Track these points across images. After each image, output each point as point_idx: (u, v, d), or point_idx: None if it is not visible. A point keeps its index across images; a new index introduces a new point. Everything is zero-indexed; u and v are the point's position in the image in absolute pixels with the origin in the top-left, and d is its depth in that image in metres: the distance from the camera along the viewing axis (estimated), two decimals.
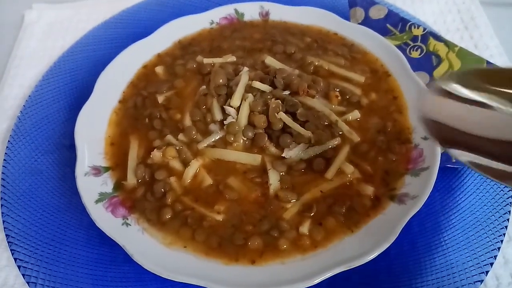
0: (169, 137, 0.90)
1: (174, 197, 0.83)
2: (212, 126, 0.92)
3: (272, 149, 0.88)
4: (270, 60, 1.01)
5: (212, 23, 1.15)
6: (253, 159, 0.86)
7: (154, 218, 0.81)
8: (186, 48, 1.11)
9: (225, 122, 0.90)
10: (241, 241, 0.77)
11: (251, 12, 1.16)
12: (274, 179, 0.83)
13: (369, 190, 0.81)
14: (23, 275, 0.80)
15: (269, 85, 0.93)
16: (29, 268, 0.80)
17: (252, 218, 0.80)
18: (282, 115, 0.87)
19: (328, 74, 1.00)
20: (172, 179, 0.85)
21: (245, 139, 0.89)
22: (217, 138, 0.90)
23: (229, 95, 0.92)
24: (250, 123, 0.89)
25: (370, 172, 0.84)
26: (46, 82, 1.10)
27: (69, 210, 0.89)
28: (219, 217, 0.80)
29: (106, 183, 0.86)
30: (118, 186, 0.86)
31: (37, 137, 1.00)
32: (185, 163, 0.87)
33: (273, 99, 0.89)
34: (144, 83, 1.03)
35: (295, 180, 0.84)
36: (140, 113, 0.97)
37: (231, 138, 0.88)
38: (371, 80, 0.99)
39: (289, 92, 0.92)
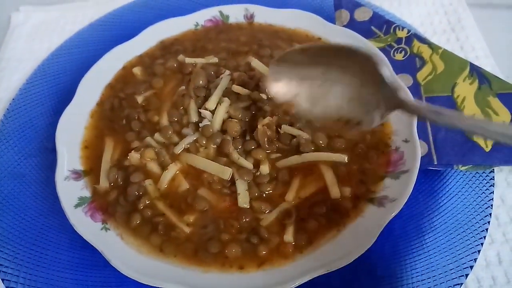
0: (149, 139, 0.90)
1: (148, 201, 0.82)
2: (185, 130, 0.91)
3: (235, 155, 0.85)
4: (256, 63, 1.00)
5: (197, 25, 1.15)
6: (222, 171, 0.83)
7: (125, 223, 0.80)
8: (167, 48, 1.10)
9: (200, 125, 0.89)
10: (216, 250, 0.76)
11: (236, 15, 1.16)
12: (242, 189, 0.82)
13: (346, 191, 0.81)
14: (2, 280, 0.79)
15: (252, 89, 0.93)
16: (9, 273, 0.80)
17: (230, 227, 0.79)
18: (286, 128, 0.87)
19: None
20: (147, 182, 0.84)
21: (214, 146, 0.88)
22: (191, 140, 0.89)
23: (207, 97, 0.92)
24: (223, 129, 0.89)
25: (346, 173, 0.84)
26: (30, 85, 1.10)
27: (52, 213, 0.88)
28: (187, 229, 0.79)
29: (86, 187, 0.85)
30: (94, 190, 0.86)
31: (20, 140, 1.00)
32: (163, 166, 0.86)
33: (267, 117, 0.87)
34: (121, 85, 1.03)
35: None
36: (117, 115, 0.96)
37: (203, 141, 0.87)
38: None
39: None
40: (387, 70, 0.67)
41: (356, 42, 1.03)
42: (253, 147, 0.87)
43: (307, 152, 0.86)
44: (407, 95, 0.67)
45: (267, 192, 0.83)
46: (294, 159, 0.85)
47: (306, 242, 0.77)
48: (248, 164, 0.84)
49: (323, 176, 0.83)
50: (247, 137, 0.89)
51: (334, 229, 0.78)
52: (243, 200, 0.81)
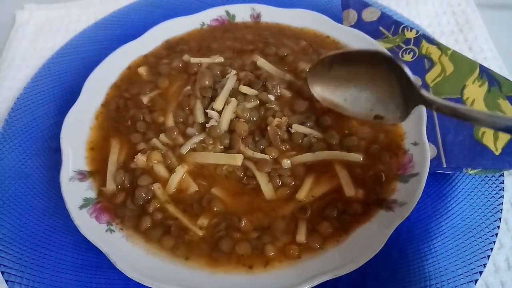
0: (155, 141, 0.89)
1: (158, 205, 0.81)
2: (189, 130, 0.90)
3: (249, 152, 0.85)
4: (262, 62, 1.00)
5: (203, 24, 1.14)
6: (234, 158, 0.83)
7: (134, 226, 0.80)
8: (173, 47, 1.09)
9: (207, 125, 0.88)
10: (229, 249, 0.75)
11: (242, 14, 1.15)
12: (263, 181, 0.82)
13: (359, 193, 0.80)
14: (6, 281, 0.78)
15: (259, 90, 0.93)
16: (13, 274, 0.79)
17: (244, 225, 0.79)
18: (297, 127, 0.87)
19: None
20: (156, 186, 0.83)
21: (221, 146, 0.87)
22: (197, 140, 0.88)
23: (214, 97, 0.91)
24: (231, 129, 0.88)
25: (360, 175, 0.83)
26: (35, 84, 1.09)
27: (56, 214, 0.88)
28: (201, 232, 0.78)
29: (91, 188, 0.85)
30: (100, 191, 0.85)
31: (24, 140, 0.99)
32: (170, 169, 0.85)
33: (276, 119, 0.88)
34: (126, 85, 1.02)
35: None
36: (122, 115, 0.96)
37: (210, 141, 0.87)
38: None
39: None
40: (409, 71, 0.75)
41: (364, 43, 1.02)
42: (263, 147, 0.86)
43: (320, 151, 0.85)
44: (427, 93, 0.75)
45: (291, 184, 0.83)
46: (307, 157, 0.85)
47: (318, 244, 0.76)
48: (264, 156, 0.84)
49: (337, 176, 0.83)
50: (257, 138, 0.88)
51: (344, 232, 0.77)
52: (269, 193, 0.81)
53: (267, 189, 0.81)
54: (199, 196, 0.83)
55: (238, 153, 0.85)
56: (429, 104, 0.73)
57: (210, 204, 0.80)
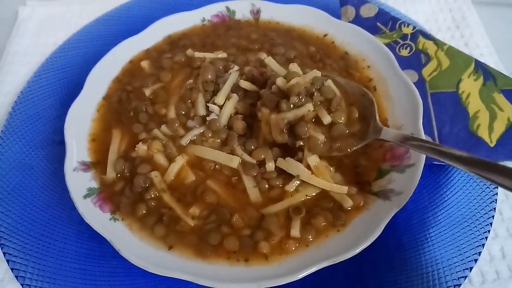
0: (156, 131, 0.91)
1: (155, 193, 0.83)
2: (190, 123, 0.92)
3: (239, 151, 0.86)
4: (269, 60, 0.99)
5: (203, 20, 1.16)
6: (231, 160, 0.85)
7: (130, 213, 0.81)
8: (175, 42, 1.11)
9: (207, 119, 0.90)
10: (216, 242, 0.77)
11: (242, 10, 1.17)
12: (250, 186, 0.83)
13: (352, 190, 0.81)
14: (12, 269, 0.80)
15: (260, 87, 0.93)
16: (18, 263, 0.81)
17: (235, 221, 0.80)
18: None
19: None
20: (154, 174, 0.85)
21: (218, 140, 0.89)
22: (198, 133, 0.90)
23: (216, 92, 0.93)
24: (229, 126, 0.90)
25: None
26: (38, 78, 1.11)
27: (59, 205, 0.90)
28: (192, 222, 0.80)
29: (94, 178, 0.86)
30: (101, 180, 0.86)
31: (28, 133, 1.01)
32: (170, 158, 0.87)
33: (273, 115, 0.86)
34: (128, 78, 1.03)
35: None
36: (124, 107, 0.97)
37: (209, 134, 0.88)
38: None
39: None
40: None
41: (362, 38, 1.04)
42: (253, 147, 0.87)
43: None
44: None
45: (277, 186, 0.83)
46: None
47: (312, 237, 0.77)
48: (251, 159, 0.85)
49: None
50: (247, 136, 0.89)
51: (340, 224, 0.78)
52: (254, 196, 0.82)
53: (252, 193, 0.83)
54: (194, 185, 0.84)
55: (231, 150, 0.87)
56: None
57: (204, 195, 0.82)
